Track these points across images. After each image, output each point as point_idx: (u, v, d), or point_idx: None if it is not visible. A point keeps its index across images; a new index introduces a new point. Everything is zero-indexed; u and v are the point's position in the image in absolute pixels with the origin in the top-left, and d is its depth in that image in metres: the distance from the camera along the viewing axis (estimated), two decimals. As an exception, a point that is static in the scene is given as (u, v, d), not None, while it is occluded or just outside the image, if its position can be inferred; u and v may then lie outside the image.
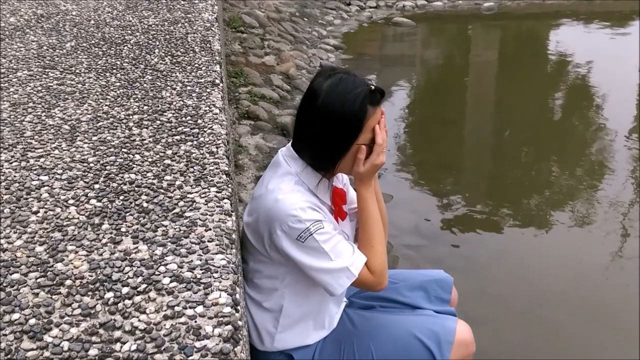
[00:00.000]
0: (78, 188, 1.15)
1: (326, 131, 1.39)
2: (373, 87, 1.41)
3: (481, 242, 3.49)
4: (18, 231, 1.02)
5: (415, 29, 6.68)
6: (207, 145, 1.33)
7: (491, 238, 3.53)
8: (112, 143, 1.33)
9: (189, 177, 1.21)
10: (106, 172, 1.21)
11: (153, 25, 1.94)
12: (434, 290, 1.71)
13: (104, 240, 1.01)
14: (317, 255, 1.36)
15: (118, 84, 1.61)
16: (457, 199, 4.03)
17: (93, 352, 0.80)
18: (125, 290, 0.91)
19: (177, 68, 1.68)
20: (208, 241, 1.02)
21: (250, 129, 3.78)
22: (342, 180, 1.58)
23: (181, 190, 1.16)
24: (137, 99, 1.53)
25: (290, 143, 1.48)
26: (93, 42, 1.82)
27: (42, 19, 1.99)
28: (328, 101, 1.38)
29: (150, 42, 1.84)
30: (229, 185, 1.18)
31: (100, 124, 1.41)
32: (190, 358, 0.79)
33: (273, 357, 1.56)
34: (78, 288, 0.91)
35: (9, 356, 0.79)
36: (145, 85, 1.60)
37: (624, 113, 5.48)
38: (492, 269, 3.25)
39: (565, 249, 3.41)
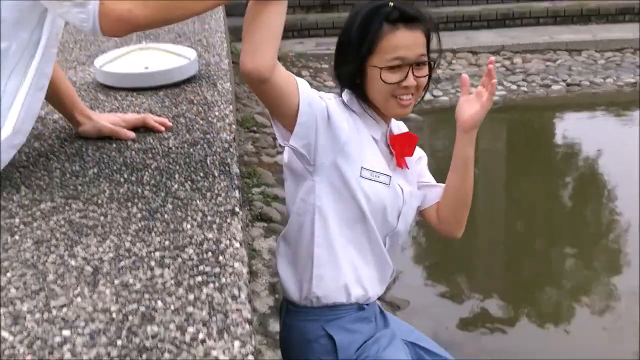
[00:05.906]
0: (100, 345, 1.13)
1: (340, 43, 1.46)
2: (392, 4, 1.41)
3: (502, 344, 3.40)
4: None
5: (423, 123, 6.83)
6: (228, 288, 1.32)
7: (511, 338, 3.44)
8: (135, 287, 1.32)
9: (212, 328, 1.19)
10: (128, 324, 1.20)
11: (173, 148, 1.98)
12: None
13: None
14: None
15: (139, 215, 1.62)
16: (474, 300, 3.96)
17: None
18: None
19: (197, 195, 1.70)
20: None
21: (263, 232, 3.78)
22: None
23: (204, 345, 1.14)
24: (158, 233, 1.53)
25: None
26: (115, 168, 1.85)
27: (66, 143, 2.04)
28: (350, 14, 1.47)
29: (170, 166, 1.87)
30: (252, 338, 1.16)
31: (122, 263, 1.41)
32: None
33: (313, 333, 1.51)
34: None
35: None
36: (166, 216, 1.61)
37: (635, 201, 5.47)
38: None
39: (587, 346, 3.31)
